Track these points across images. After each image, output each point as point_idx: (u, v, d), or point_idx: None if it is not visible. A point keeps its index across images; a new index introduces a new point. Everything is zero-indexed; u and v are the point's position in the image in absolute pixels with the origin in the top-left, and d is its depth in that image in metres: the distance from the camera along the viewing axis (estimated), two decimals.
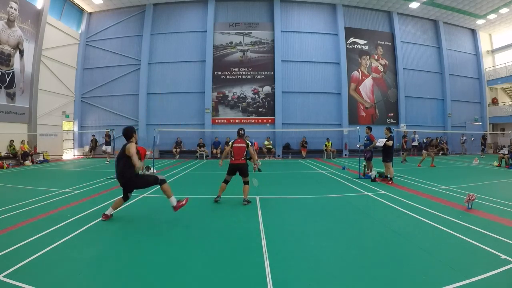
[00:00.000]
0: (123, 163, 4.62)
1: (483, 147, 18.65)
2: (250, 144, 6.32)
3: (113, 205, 4.84)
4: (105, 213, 4.75)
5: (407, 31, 20.46)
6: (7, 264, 3.03)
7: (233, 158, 6.11)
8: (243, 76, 18.73)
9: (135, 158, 4.48)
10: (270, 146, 17.45)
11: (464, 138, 20.00)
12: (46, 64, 16.48)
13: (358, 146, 10.47)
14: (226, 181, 6.12)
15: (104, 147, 16.48)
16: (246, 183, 6.06)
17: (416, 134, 17.76)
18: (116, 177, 4.80)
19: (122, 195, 4.87)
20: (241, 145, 6.12)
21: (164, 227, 4.50)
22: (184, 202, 4.80)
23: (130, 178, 4.64)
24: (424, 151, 13.71)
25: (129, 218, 5.01)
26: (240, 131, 6.39)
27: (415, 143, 17.64)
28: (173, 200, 4.71)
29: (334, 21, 19.34)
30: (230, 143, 6.33)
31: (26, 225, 4.47)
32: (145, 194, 6.88)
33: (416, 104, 20.30)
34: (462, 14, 19.95)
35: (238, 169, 6.02)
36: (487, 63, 22.48)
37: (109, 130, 16.35)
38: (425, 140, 18.92)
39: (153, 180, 4.77)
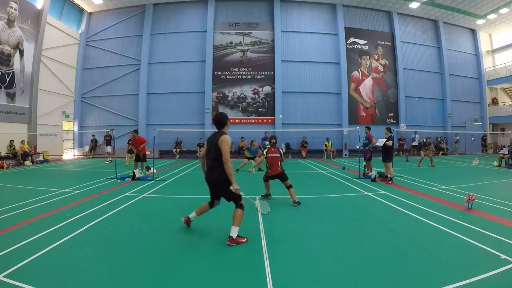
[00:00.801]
0: (218, 160, 3.70)
1: (483, 148, 18.63)
2: (280, 151, 6.25)
3: (197, 210, 4.24)
4: (188, 216, 4.27)
5: (407, 31, 20.46)
6: (7, 264, 3.03)
7: (269, 171, 6.05)
8: (243, 76, 18.73)
9: (227, 156, 3.65)
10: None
11: (457, 138, 19.99)
12: (46, 64, 16.48)
13: (357, 147, 10.48)
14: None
15: (105, 148, 16.51)
16: (289, 186, 5.89)
17: (417, 134, 17.77)
18: (206, 176, 3.90)
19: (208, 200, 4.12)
20: (275, 155, 6.03)
21: (164, 227, 4.49)
22: (244, 241, 3.76)
23: (226, 180, 3.69)
24: (421, 152, 13.75)
25: (129, 218, 5.01)
26: (272, 140, 6.33)
27: (415, 143, 17.64)
28: (236, 230, 3.73)
29: (334, 21, 19.34)
30: (264, 152, 6.23)
31: (26, 225, 4.46)
32: (145, 194, 6.88)
33: (416, 104, 20.30)
34: (462, 14, 19.94)
35: (277, 177, 6.01)
36: (487, 63, 22.48)
37: (109, 130, 16.37)
38: (424, 140, 18.94)
39: (238, 196, 3.81)
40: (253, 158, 11.22)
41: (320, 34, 19.28)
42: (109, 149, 15.59)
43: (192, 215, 4.24)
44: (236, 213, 3.73)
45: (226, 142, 3.66)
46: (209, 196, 4.05)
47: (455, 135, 20.01)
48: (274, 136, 6.39)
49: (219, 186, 3.81)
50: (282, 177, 5.96)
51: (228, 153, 3.66)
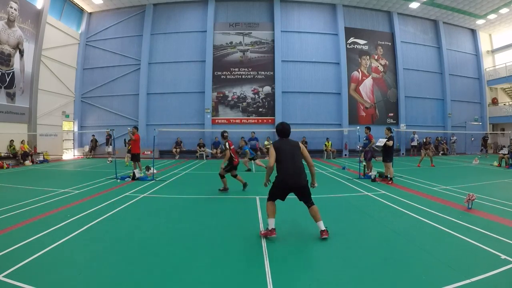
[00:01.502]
0: (302, 164, 4.04)
1: (483, 147, 18.62)
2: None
3: (270, 215, 3.95)
4: (267, 229, 3.91)
5: (407, 31, 20.46)
6: (7, 264, 3.03)
7: (235, 160, 7.25)
8: (243, 76, 18.73)
9: (311, 159, 4.15)
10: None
11: (455, 138, 19.99)
12: (46, 64, 16.48)
13: (358, 148, 10.48)
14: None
15: (106, 148, 16.51)
16: (235, 176, 7.39)
17: (416, 134, 17.77)
18: (291, 181, 3.90)
19: (272, 201, 4.07)
20: (232, 147, 7.21)
21: (164, 227, 4.50)
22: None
23: (307, 183, 4.04)
24: (422, 151, 13.74)
25: (129, 218, 5.01)
26: (225, 133, 7.40)
27: (415, 143, 17.64)
28: (322, 224, 3.95)
29: (334, 21, 19.34)
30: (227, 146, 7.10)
31: (26, 225, 4.46)
32: (145, 194, 6.89)
33: (416, 104, 20.30)
34: (462, 14, 19.94)
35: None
36: (487, 63, 22.47)
37: (109, 130, 16.36)
38: (424, 140, 18.94)
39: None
40: (252, 159, 11.28)
41: (320, 34, 19.28)
42: (110, 148, 15.59)
43: (272, 223, 3.91)
44: (315, 209, 4.03)
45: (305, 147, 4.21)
46: (277, 198, 4.08)
47: (451, 135, 19.99)
48: (226, 131, 7.46)
49: (307, 187, 4.06)
50: (236, 167, 7.24)
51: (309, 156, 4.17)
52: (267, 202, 4.07)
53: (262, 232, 3.96)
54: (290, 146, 4.06)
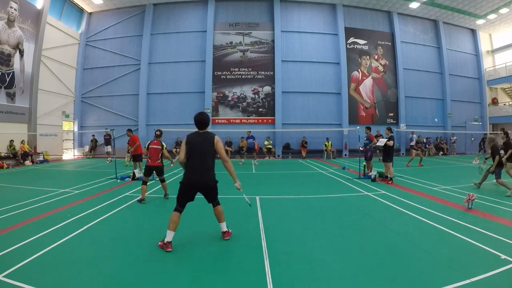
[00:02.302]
0: (212, 161, 3.72)
1: (481, 148, 18.61)
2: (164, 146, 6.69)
3: (171, 227, 3.60)
4: (163, 240, 3.57)
5: (407, 31, 20.45)
6: (7, 264, 3.03)
7: (149, 160, 6.41)
8: (243, 76, 18.73)
9: (224, 154, 3.74)
10: (270, 146, 17.44)
11: (455, 138, 19.99)
12: (46, 64, 16.48)
13: (360, 148, 10.49)
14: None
15: (104, 148, 16.48)
16: (162, 180, 6.57)
17: (414, 134, 17.76)
18: (196, 180, 3.65)
19: (178, 209, 3.72)
20: (156, 146, 6.45)
21: (164, 227, 4.47)
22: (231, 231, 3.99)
23: (216, 183, 3.80)
24: (413, 150, 13.69)
25: (129, 218, 5.01)
26: (157, 132, 6.81)
27: (413, 143, 17.63)
28: (225, 224, 3.94)
29: (334, 21, 19.33)
30: (147, 144, 6.64)
31: (26, 225, 4.47)
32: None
33: (416, 104, 20.30)
34: (462, 14, 19.94)
35: (154, 170, 6.48)
36: (487, 63, 22.46)
37: (108, 129, 16.33)
38: (424, 140, 18.95)
39: (217, 195, 3.96)
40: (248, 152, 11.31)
41: (320, 34, 19.28)
42: (109, 148, 15.57)
43: (169, 236, 3.55)
44: (220, 210, 3.87)
45: (220, 141, 3.80)
46: (182, 202, 3.71)
47: (451, 135, 19.99)
48: (160, 129, 6.91)
49: (212, 186, 3.78)
50: (159, 171, 6.47)
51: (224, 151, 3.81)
52: (173, 210, 3.68)
53: (159, 243, 3.61)
54: (201, 140, 3.70)
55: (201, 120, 3.81)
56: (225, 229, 3.91)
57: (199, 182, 3.67)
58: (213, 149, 3.71)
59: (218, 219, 3.91)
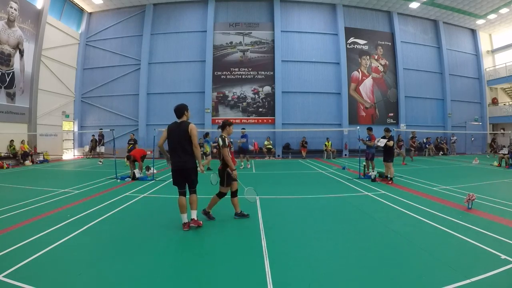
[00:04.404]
0: (187, 147, 4.16)
1: (492, 149, 18.55)
2: None
3: (181, 210, 4.23)
4: (193, 219, 4.20)
5: (407, 31, 20.45)
6: (7, 264, 3.03)
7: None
8: (243, 76, 18.73)
9: (196, 140, 4.16)
10: (270, 146, 17.45)
11: (455, 138, 19.99)
12: (46, 64, 16.48)
13: (359, 139, 10.22)
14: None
15: (98, 148, 16.46)
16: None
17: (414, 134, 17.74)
18: (177, 162, 4.17)
19: (180, 192, 4.28)
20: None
21: (164, 227, 4.49)
22: (201, 223, 4.37)
23: (194, 167, 4.24)
24: (396, 150, 13.54)
25: (129, 218, 5.00)
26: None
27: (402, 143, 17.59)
28: (194, 214, 4.27)
29: (334, 21, 19.33)
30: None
31: (26, 225, 4.47)
32: (145, 194, 6.89)
33: (416, 104, 20.30)
34: (462, 14, 19.94)
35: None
36: (487, 63, 22.46)
37: (102, 129, 16.32)
38: (425, 140, 18.97)
39: (196, 182, 4.36)
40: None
41: (320, 34, 19.28)
42: (102, 149, 15.51)
43: (184, 218, 4.23)
44: (195, 198, 4.26)
45: (195, 128, 4.22)
46: (179, 185, 4.27)
47: (451, 135, 19.98)
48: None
49: (192, 172, 4.22)
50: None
51: (197, 138, 4.24)
52: (178, 196, 4.30)
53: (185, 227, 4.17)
54: (178, 128, 4.21)
55: (176, 109, 4.35)
56: (193, 216, 4.18)
57: (180, 163, 4.16)
58: (188, 135, 4.15)
59: (191, 206, 4.22)
